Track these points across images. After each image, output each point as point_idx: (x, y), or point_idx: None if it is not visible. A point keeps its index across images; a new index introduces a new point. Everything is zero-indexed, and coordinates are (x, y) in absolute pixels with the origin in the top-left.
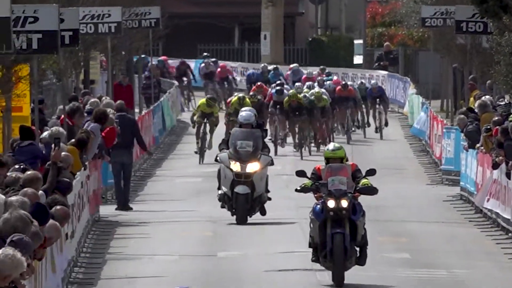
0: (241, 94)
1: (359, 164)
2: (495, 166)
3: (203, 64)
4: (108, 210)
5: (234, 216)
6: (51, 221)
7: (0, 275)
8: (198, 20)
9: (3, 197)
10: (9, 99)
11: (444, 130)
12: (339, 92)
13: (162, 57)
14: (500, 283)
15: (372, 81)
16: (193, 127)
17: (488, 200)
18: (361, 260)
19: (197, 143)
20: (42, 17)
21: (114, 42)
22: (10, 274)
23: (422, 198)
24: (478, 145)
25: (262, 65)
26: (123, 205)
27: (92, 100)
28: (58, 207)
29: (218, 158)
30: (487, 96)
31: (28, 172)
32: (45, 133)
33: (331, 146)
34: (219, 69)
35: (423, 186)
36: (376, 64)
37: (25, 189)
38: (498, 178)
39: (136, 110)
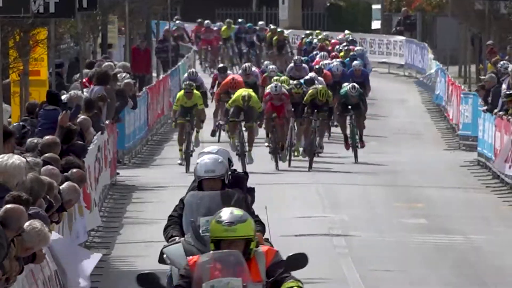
0: (245, 92)
1: (376, 130)
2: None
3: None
4: (125, 174)
5: None
6: (69, 183)
7: (23, 246)
8: None
9: (24, 160)
10: (26, 62)
11: (462, 95)
12: None
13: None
14: None
15: (355, 62)
16: (174, 126)
17: (510, 167)
18: None
19: (180, 150)
20: None
21: (132, 6)
22: (33, 247)
23: (439, 163)
24: (496, 110)
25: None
26: None
27: (106, 63)
28: (74, 170)
29: (164, 255)
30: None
31: (46, 137)
32: (64, 97)
33: (225, 214)
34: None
35: (440, 151)
36: (394, 29)
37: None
38: None
39: (154, 74)
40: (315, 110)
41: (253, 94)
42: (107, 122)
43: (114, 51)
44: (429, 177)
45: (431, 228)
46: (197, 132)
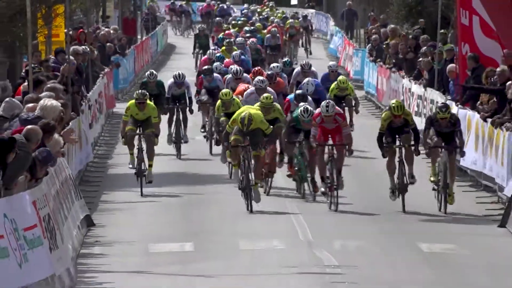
0: (244, 113)
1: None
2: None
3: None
4: (119, 107)
5: None
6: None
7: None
8: None
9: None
10: (50, 28)
11: (354, 50)
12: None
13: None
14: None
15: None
16: (124, 143)
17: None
18: None
19: (131, 153)
20: None
21: None
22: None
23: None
24: (378, 60)
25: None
26: None
27: (103, 32)
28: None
29: None
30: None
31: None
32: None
33: None
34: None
35: None
36: (307, 4)
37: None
38: (393, 85)
39: (139, 36)
40: (397, 136)
41: (255, 114)
42: (106, 69)
43: (110, 20)
44: None
45: None
46: (150, 166)
